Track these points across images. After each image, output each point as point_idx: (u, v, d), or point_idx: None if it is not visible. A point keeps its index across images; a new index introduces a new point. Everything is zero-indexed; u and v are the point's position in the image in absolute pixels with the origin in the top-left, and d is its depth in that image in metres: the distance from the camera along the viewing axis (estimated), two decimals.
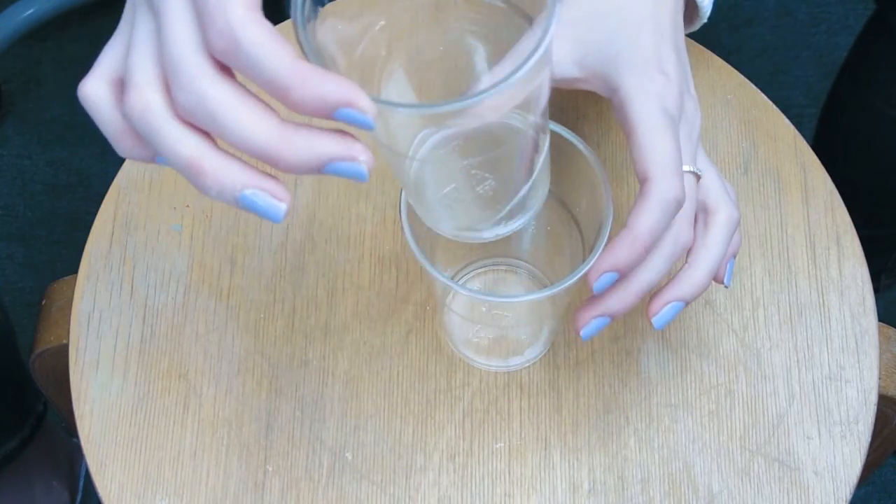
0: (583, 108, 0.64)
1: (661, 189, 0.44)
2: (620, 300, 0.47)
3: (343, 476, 0.55)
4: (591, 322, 0.48)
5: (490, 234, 0.49)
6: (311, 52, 0.35)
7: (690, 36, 0.64)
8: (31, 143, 1.35)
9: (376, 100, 0.33)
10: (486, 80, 0.44)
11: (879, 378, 0.58)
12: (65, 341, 0.59)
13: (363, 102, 0.33)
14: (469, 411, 0.57)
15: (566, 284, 0.45)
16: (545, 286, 0.48)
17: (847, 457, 0.56)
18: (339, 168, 0.34)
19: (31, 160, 1.34)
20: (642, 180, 0.44)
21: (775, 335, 0.59)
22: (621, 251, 0.44)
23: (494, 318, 0.54)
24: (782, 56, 1.40)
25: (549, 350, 0.58)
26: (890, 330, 0.61)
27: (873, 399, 0.57)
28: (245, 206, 0.35)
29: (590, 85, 0.49)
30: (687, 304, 0.48)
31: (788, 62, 1.39)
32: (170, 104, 0.34)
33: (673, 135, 0.45)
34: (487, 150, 0.43)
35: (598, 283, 0.45)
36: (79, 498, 1.09)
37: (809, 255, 0.61)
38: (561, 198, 0.49)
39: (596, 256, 0.45)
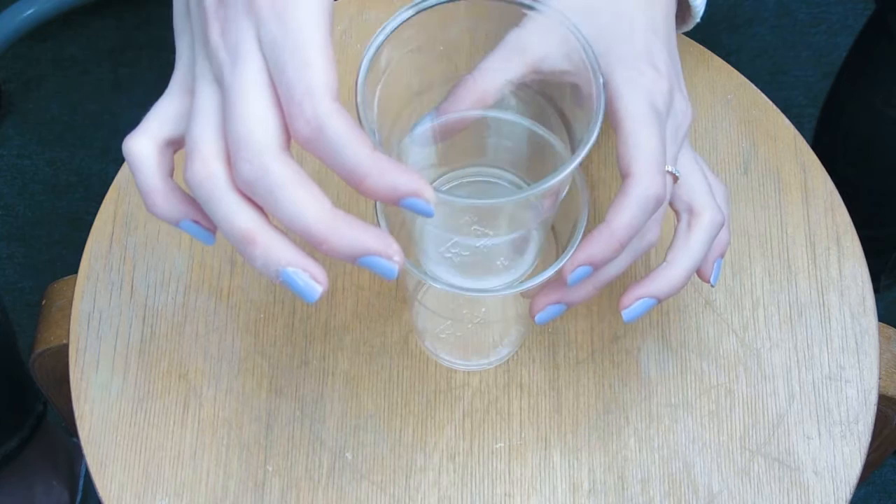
0: None
1: (642, 186, 0.44)
2: (579, 289, 0.47)
3: (343, 476, 0.55)
4: (547, 308, 0.48)
5: (483, 286, 0.51)
6: (364, 106, 0.39)
7: (691, 36, 0.64)
8: (31, 143, 1.35)
9: (438, 192, 0.37)
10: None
11: (879, 378, 0.58)
12: (65, 341, 0.59)
13: (428, 194, 0.36)
14: (469, 411, 0.57)
15: (539, 280, 0.45)
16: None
17: (847, 457, 0.56)
18: (373, 262, 0.37)
19: (31, 160, 1.34)
20: (624, 175, 0.44)
21: (775, 335, 0.59)
22: (597, 246, 0.44)
23: (465, 315, 0.54)
24: (782, 56, 1.40)
25: (548, 350, 0.58)
26: (890, 330, 0.61)
27: (873, 399, 0.57)
28: (284, 281, 0.37)
29: (579, 78, 0.49)
30: (659, 301, 0.48)
31: (788, 62, 1.39)
32: (230, 176, 0.37)
33: (659, 132, 0.45)
34: (494, 217, 0.46)
35: (572, 276, 0.45)
36: (79, 498, 1.09)
37: (809, 255, 0.61)
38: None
39: (569, 255, 0.45)
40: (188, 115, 0.38)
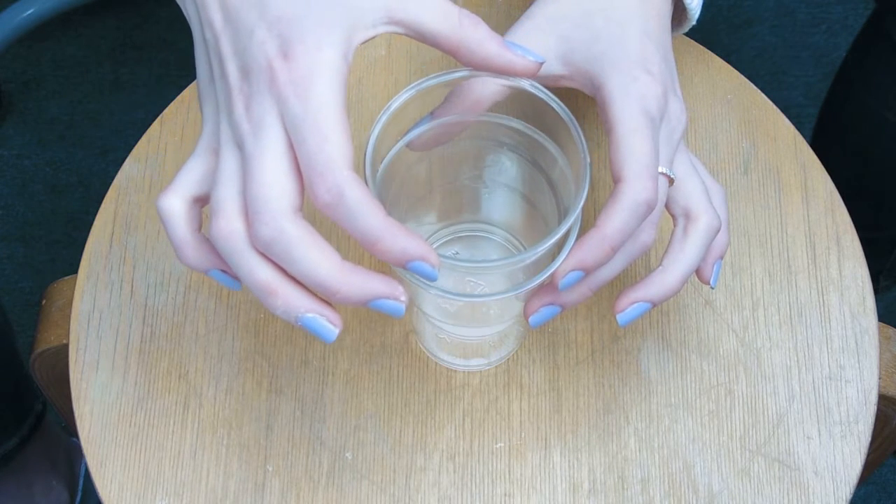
0: (583, 109, 0.64)
1: (634, 191, 0.44)
2: (574, 292, 0.48)
3: (343, 476, 0.55)
4: (540, 310, 0.48)
5: (476, 333, 0.55)
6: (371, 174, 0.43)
7: (691, 36, 0.64)
8: (31, 143, 1.35)
9: (443, 257, 0.41)
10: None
11: (879, 378, 0.58)
12: (65, 341, 0.59)
13: (433, 259, 0.41)
14: (469, 411, 0.57)
15: (533, 284, 0.45)
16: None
17: (847, 457, 0.56)
18: (382, 304, 0.41)
19: (31, 160, 1.34)
20: (616, 180, 0.45)
21: (775, 335, 0.59)
22: (589, 251, 0.45)
23: (464, 316, 0.54)
24: (782, 56, 1.40)
25: (548, 350, 0.58)
26: (890, 330, 0.61)
27: (873, 399, 0.57)
28: (304, 324, 0.41)
29: (574, 83, 0.49)
30: (654, 305, 0.49)
31: (788, 62, 1.39)
32: (249, 234, 0.40)
33: (651, 137, 0.45)
34: (487, 274, 0.49)
35: (564, 281, 0.45)
36: (78, 497, 1.09)
37: (809, 255, 0.61)
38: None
39: (563, 257, 0.45)
40: (213, 175, 0.42)
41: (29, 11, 1.31)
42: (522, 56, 0.44)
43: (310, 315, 0.41)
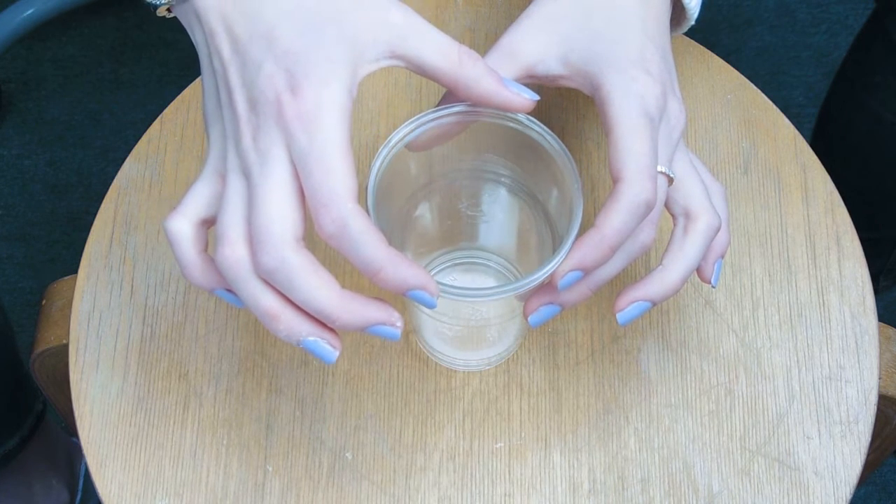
0: (583, 109, 0.64)
1: (633, 191, 0.44)
2: (574, 292, 0.48)
3: (343, 476, 0.55)
4: (539, 310, 0.49)
5: (475, 357, 0.56)
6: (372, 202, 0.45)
7: (691, 36, 0.64)
8: (31, 143, 1.35)
9: (441, 286, 0.43)
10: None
11: (879, 378, 0.58)
12: (65, 341, 0.59)
13: (432, 288, 0.42)
14: (469, 411, 0.57)
15: (533, 284, 0.45)
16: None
17: (847, 457, 0.56)
18: (379, 330, 0.43)
19: (31, 160, 1.34)
20: (615, 180, 0.45)
21: (775, 335, 0.59)
22: (588, 251, 0.45)
23: (464, 316, 0.55)
24: (782, 56, 1.40)
25: (548, 350, 0.58)
26: (890, 330, 0.61)
27: (873, 399, 0.57)
28: (305, 347, 0.43)
29: (573, 82, 0.49)
30: (654, 304, 0.49)
31: (788, 62, 1.39)
32: (252, 262, 0.42)
33: (650, 137, 0.45)
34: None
35: (563, 281, 0.46)
36: (78, 498, 1.09)
37: (809, 255, 0.61)
38: (533, 193, 0.51)
39: (563, 256, 0.45)
40: (219, 200, 0.43)
41: (29, 11, 1.31)
42: (518, 94, 0.46)
43: (311, 338, 0.43)
